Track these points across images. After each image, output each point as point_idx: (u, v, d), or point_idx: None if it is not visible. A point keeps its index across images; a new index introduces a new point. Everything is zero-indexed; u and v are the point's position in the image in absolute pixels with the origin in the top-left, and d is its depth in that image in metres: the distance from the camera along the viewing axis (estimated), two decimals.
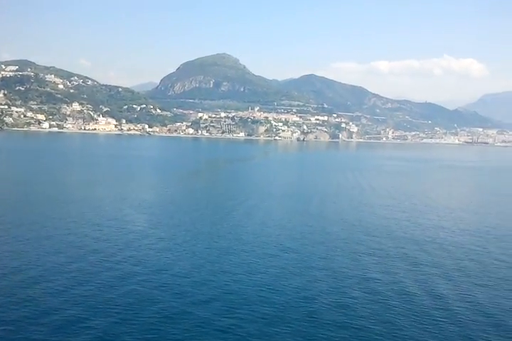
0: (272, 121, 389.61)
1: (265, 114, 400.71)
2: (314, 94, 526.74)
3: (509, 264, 35.31)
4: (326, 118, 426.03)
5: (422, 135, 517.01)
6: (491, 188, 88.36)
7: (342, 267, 33.04)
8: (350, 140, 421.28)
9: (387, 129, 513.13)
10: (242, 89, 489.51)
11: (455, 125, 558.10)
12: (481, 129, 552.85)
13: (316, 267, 32.83)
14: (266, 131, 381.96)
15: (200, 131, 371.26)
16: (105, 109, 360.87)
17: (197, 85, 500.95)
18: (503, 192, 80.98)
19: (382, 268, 33.11)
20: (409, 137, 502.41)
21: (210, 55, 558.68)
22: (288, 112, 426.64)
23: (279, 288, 28.64)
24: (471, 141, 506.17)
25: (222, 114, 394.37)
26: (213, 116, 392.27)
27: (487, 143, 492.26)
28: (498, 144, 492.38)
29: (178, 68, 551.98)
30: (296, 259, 34.56)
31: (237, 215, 50.23)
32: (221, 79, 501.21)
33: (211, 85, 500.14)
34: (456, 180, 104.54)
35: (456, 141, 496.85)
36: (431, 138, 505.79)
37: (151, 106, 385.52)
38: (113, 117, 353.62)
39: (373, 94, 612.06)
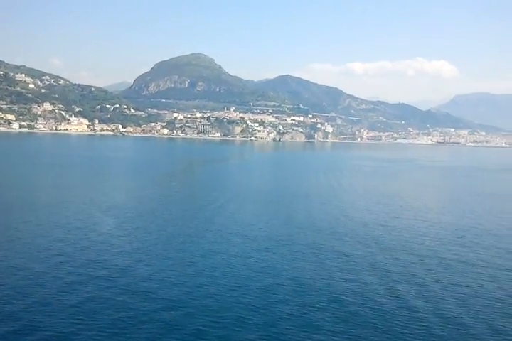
0: (248, 122, 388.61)
1: (241, 115, 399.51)
2: (290, 94, 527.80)
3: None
4: (301, 118, 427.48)
5: (395, 135, 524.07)
6: (465, 188, 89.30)
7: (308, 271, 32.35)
8: (325, 140, 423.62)
9: (362, 130, 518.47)
10: (217, 90, 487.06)
11: (428, 125, 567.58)
12: (452, 129, 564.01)
13: (280, 268, 32.05)
14: (242, 131, 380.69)
15: (175, 132, 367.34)
16: (77, 109, 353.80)
17: (172, 85, 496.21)
18: (477, 192, 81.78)
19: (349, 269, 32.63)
20: (383, 137, 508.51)
21: (185, 55, 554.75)
22: (264, 113, 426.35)
23: (248, 293, 27.75)
24: (443, 141, 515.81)
25: (198, 114, 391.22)
26: (189, 116, 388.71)
27: (459, 143, 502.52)
28: (470, 144, 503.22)
29: (153, 68, 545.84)
30: (263, 260, 33.74)
31: (210, 218, 49.03)
32: (196, 79, 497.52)
33: (186, 85, 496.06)
34: (430, 180, 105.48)
35: (429, 141, 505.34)
36: (404, 138, 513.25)
37: (125, 106, 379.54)
38: (85, 117, 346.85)
39: (348, 95, 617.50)
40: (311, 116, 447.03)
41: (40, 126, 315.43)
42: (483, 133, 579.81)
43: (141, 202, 57.76)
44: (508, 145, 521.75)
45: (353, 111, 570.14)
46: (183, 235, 41.02)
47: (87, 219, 45.58)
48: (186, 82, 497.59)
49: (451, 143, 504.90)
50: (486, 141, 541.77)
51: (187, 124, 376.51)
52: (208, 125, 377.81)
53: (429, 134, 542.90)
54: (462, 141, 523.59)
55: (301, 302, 26.68)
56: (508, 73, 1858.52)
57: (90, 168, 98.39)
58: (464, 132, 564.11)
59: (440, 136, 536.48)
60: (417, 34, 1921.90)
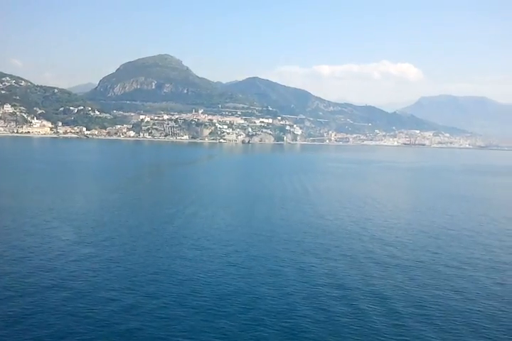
0: (217, 124, 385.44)
1: (210, 117, 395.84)
2: (259, 96, 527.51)
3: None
4: (270, 120, 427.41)
5: (362, 137, 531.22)
6: (431, 189, 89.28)
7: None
8: (294, 142, 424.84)
9: (330, 132, 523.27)
10: (185, 91, 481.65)
11: (394, 127, 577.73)
12: (418, 131, 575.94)
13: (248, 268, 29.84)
14: (210, 133, 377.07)
15: (142, 134, 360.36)
16: (40, 111, 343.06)
17: (138, 86, 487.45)
18: (445, 193, 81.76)
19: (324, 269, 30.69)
20: (350, 139, 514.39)
21: (151, 56, 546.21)
22: (233, 115, 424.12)
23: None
24: (409, 142, 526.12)
25: (165, 117, 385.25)
26: (156, 118, 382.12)
27: (424, 145, 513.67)
28: (435, 145, 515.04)
29: (118, 69, 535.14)
30: (222, 263, 31.43)
31: (176, 224, 46.37)
32: (163, 81, 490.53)
33: (153, 87, 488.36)
34: (398, 181, 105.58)
35: (395, 143, 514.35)
36: (371, 140, 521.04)
37: (90, 108, 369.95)
38: (48, 120, 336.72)
39: (316, 97, 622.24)
40: (279, 118, 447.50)
41: (0, 129, 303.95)
42: (448, 135, 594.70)
43: (102, 209, 54.45)
44: (471, 147, 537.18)
45: (321, 113, 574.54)
46: (146, 244, 38.24)
47: (43, 227, 42.32)
48: (153, 84, 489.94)
49: (417, 144, 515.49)
50: (450, 143, 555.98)
51: (154, 127, 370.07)
52: (176, 127, 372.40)
53: (395, 136, 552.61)
54: (427, 142, 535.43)
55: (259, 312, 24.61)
56: (471, 76, 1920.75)
57: (50, 173, 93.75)
58: (428, 134, 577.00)
59: (406, 138, 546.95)
60: (382, 37, 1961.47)
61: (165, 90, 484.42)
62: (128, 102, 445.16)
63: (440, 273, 33.39)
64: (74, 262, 32.85)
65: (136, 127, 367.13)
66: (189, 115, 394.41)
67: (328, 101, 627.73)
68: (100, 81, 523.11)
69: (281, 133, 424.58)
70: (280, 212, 55.87)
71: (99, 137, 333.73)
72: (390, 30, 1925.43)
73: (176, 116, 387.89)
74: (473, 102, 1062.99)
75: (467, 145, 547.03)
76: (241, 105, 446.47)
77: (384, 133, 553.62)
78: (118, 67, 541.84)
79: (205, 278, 30.65)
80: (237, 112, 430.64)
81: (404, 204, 69.39)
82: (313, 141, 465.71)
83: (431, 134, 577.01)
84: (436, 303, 27.63)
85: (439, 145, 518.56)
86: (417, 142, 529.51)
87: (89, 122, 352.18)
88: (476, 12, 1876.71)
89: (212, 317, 24.69)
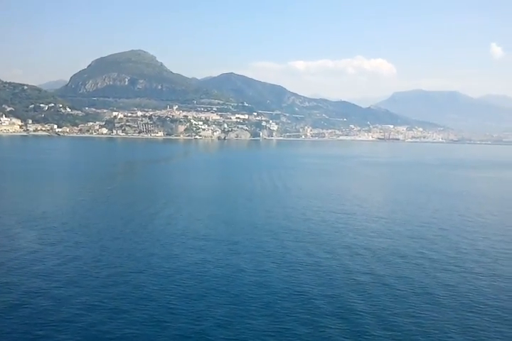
0: (192, 120, 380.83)
1: (185, 113, 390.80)
2: (234, 92, 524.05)
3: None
4: (246, 116, 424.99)
5: (338, 132, 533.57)
6: (409, 183, 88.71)
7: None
8: (270, 138, 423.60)
9: (306, 127, 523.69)
10: (159, 87, 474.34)
11: (368, 122, 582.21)
12: (392, 126, 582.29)
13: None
14: (186, 130, 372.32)
15: (115, 131, 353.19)
16: (9, 109, 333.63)
17: (111, 83, 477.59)
18: (423, 188, 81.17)
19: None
20: (326, 134, 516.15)
21: (124, 52, 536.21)
22: (208, 111, 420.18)
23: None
24: (383, 137, 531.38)
25: (139, 113, 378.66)
26: (129, 115, 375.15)
27: (398, 139, 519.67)
28: (408, 140, 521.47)
29: (90, 65, 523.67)
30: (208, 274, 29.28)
31: (149, 227, 43.83)
32: (137, 77, 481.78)
33: (126, 83, 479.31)
34: (376, 176, 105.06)
35: (370, 138, 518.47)
36: (347, 135, 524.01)
37: (61, 105, 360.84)
38: (18, 117, 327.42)
39: (292, 92, 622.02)
40: (255, 113, 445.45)
41: None
42: (421, 129, 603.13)
43: (71, 210, 51.50)
44: (444, 141, 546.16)
45: (296, 109, 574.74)
46: (117, 248, 35.68)
47: (4, 233, 39.33)
48: (126, 80, 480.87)
49: (391, 139, 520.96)
50: (424, 137, 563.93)
51: (127, 123, 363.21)
52: (150, 124, 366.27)
53: (369, 131, 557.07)
54: (401, 137, 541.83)
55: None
56: (442, 71, 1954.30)
57: (17, 172, 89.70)
58: (402, 128, 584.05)
59: (380, 133, 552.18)
60: (356, 33, 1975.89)
61: (138, 86, 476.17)
62: (100, 99, 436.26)
63: (420, 265, 32.08)
64: (35, 278, 30.03)
65: (109, 124, 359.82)
66: (163, 111, 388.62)
67: (304, 97, 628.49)
68: (71, 77, 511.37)
69: (258, 129, 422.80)
70: (258, 211, 53.89)
71: (71, 134, 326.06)
72: (363, 25, 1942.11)
73: (150, 113, 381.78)
74: (445, 97, 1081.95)
75: (440, 140, 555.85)
76: (216, 101, 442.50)
77: (359, 128, 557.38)
78: (90, 63, 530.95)
79: (177, 290, 28.36)
80: (212, 108, 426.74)
81: (383, 199, 68.30)
82: (290, 136, 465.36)
83: (404, 129, 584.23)
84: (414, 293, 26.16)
85: (413, 140, 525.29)
86: (391, 137, 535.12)
87: (61, 119, 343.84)
88: (446, 8, 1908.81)
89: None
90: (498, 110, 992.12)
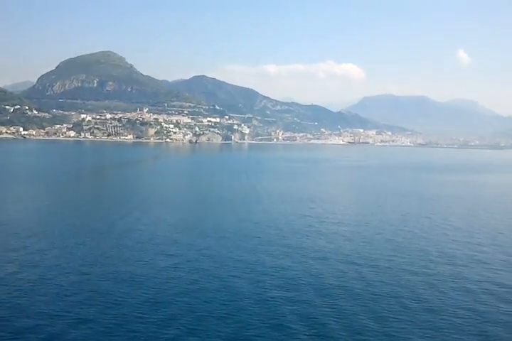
0: (163, 123, 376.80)
1: (155, 116, 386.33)
2: (206, 95, 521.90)
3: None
4: (218, 120, 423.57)
5: (309, 136, 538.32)
6: (381, 187, 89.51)
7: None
8: (242, 141, 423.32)
9: (278, 131, 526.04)
10: (129, 89, 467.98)
11: (339, 126, 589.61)
12: (362, 130, 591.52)
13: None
14: (156, 133, 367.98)
15: (83, 134, 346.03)
16: None
17: (79, 84, 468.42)
18: (394, 191, 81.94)
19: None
20: (298, 138, 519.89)
21: (93, 53, 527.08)
22: (179, 114, 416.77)
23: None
24: (353, 141, 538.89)
25: (108, 116, 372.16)
26: (98, 117, 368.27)
27: (368, 143, 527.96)
28: (378, 144, 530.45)
29: (58, 66, 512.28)
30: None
31: (116, 234, 42.31)
32: (106, 79, 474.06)
33: (95, 85, 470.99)
34: (347, 180, 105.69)
35: (341, 142, 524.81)
36: (318, 138, 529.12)
37: (27, 107, 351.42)
38: None
39: (264, 96, 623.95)
40: (227, 117, 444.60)
41: None
42: (390, 133, 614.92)
43: (34, 216, 49.38)
44: (412, 145, 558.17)
45: (268, 112, 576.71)
46: (82, 254, 34.19)
47: None
48: (95, 82, 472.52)
49: (361, 143, 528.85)
50: (393, 141, 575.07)
51: (96, 126, 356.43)
52: (120, 127, 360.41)
53: (340, 135, 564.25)
54: (371, 140, 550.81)
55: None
56: (410, 76, 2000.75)
57: None
58: (372, 132, 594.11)
59: (350, 136, 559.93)
60: (327, 37, 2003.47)
61: (108, 88, 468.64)
62: (68, 101, 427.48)
63: (387, 269, 31.93)
64: None
65: (77, 127, 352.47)
66: (133, 114, 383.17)
67: (276, 101, 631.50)
68: (38, 79, 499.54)
69: (229, 133, 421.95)
70: (228, 215, 53.04)
71: (38, 137, 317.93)
72: (334, 30, 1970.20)
73: (120, 115, 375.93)
74: (413, 101, 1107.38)
75: (408, 143, 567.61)
76: (188, 104, 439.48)
77: (330, 132, 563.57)
78: (58, 64, 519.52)
79: (145, 296, 27.26)
80: (183, 111, 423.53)
81: (353, 203, 68.45)
82: (261, 140, 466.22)
83: (374, 133, 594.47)
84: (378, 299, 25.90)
85: (382, 144, 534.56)
86: (361, 140, 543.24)
87: (27, 122, 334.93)
88: (415, 15, 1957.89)
89: None
90: (465, 115, 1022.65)
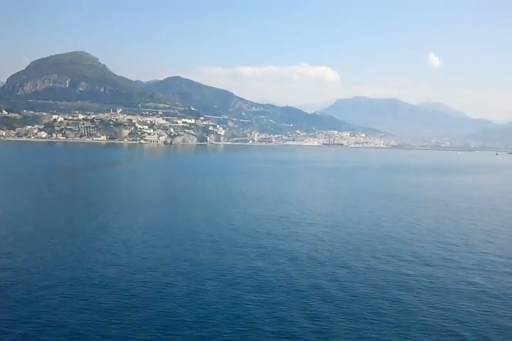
0: (137, 124, 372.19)
1: (129, 117, 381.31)
2: (181, 96, 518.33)
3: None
4: (193, 121, 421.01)
5: (284, 137, 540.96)
6: (356, 188, 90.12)
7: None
8: (218, 143, 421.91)
9: (253, 132, 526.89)
10: (102, 90, 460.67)
11: (314, 128, 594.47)
12: (336, 132, 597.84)
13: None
14: (130, 134, 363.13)
15: (54, 135, 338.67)
16: None
17: (51, 85, 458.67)
18: (370, 192, 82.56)
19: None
20: (273, 139, 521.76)
21: (65, 53, 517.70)
22: (154, 115, 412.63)
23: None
24: (328, 142, 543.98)
25: (81, 116, 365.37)
26: (70, 118, 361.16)
27: (342, 145, 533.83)
28: (352, 145, 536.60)
29: (29, 66, 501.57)
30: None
31: (87, 236, 41.17)
32: (78, 79, 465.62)
33: (67, 85, 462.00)
34: (323, 181, 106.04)
35: (316, 143, 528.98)
36: (293, 140, 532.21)
37: None
38: None
39: (239, 97, 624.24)
40: (202, 118, 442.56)
41: None
42: (363, 135, 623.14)
43: (3, 219, 47.60)
44: (385, 146, 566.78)
45: (244, 114, 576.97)
46: (52, 257, 33.04)
47: None
48: (67, 82, 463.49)
49: (336, 144, 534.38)
50: (366, 142, 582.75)
51: (68, 127, 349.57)
52: (92, 127, 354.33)
53: (315, 136, 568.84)
54: (345, 142, 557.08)
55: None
56: (383, 79, 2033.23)
57: None
58: (346, 134, 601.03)
59: (325, 138, 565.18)
60: (301, 40, 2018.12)
61: (80, 88, 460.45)
62: (39, 101, 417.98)
63: (360, 270, 31.99)
64: None
65: (49, 127, 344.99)
66: (107, 115, 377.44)
67: (251, 102, 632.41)
68: (8, 78, 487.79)
69: (205, 134, 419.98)
70: (203, 218, 52.39)
71: (8, 138, 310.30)
72: (308, 33, 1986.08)
73: (93, 116, 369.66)
74: (386, 104, 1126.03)
75: (382, 145, 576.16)
76: (162, 105, 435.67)
77: (305, 134, 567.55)
78: (28, 63, 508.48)
79: (119, 301, 26.47)
80: (158, 112, 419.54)
81: (328, 204, 68.61)
82: (237, 141, 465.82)
83: (348, 134, 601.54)
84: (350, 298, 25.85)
85: (356, 145, 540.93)
86: (335, 142, 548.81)
87: None
88: (387, 18, 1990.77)
89: None
90: (436, 117, 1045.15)
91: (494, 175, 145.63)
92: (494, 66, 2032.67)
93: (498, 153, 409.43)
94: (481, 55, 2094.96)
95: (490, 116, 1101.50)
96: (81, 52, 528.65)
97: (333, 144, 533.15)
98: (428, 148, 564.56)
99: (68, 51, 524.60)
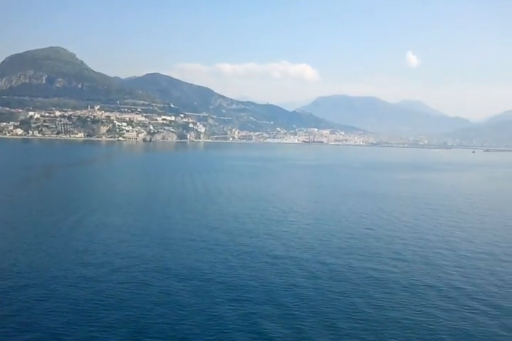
0: (115, 121, 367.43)
1: (107, 113, 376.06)
2: (160, 93, 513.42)
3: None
4: (173, 118, 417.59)
5: (265, 135, 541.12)
6: (336, 186, 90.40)
7: None
8: (198, 140, 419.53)
9: (234, 129, 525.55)
10: (80, 86, 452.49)
11: (294, 125, 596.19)
12: (316, 129, 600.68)
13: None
14: (108, 131, 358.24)
15: (31, 132, 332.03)
16: None
17: (27, 81, 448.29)
18: (349, 191, 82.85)
19: None
20: (253, 137, 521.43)
21: (41, 48, 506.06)
22: (132, 111, 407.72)
23: None
24: (308, 140, 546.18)
25: (58, 113, 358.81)
26: (47, 115, 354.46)
27: (322, 142, 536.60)
28: (332, 143, 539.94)
29: (4, 61, 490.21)
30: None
31: (62, 236, 40.19)
32: (55, 75, 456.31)
33: (44, 81, 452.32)
34: (304, 179, 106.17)
35: (296, 141, 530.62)
36: (273, 138, 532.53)
37: None
38: None
39: (219, 95, 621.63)
40: (182, 115, 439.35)
41: None
42: (343, 133, 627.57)
43: None
44: (364, 144, 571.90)
45: (224, 111, 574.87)
46: (22, 262, 32.05)
47: None
48: (43, 78, 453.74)
49: (316, 142, 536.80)
50: (346, 140, 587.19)
51: (45, 124, 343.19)
52: (70, 124, 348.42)
53: (295, 134, 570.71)
54: (325, 140, 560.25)
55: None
56: (362, 77, 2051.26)
57: None
58: (326, 132, 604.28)
59: (305, 136, 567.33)
60: (281, 37, 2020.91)
61: (57, 85, 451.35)
62: (15, 97, 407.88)
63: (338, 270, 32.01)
64: None
65: (25, 124, 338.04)
66: (84, 111, 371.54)
67: (231, 99, 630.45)
68: None
69: (185, 131, 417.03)
70: (181, 216, 51.75)
71: None
72: (289, 30, 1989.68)
73: (70, 113, 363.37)
74: (365, 102, 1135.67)
75: (361, 143, 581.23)
76: (141, 102, 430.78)
77: (285, 131, 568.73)
78: (3, 59, 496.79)
79: (94, 301, 25.79)
80: (137, 109, 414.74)
81: (310, 202, 68.62)
82: (217, 138, 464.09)
83: (328, 132, 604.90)
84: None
85: (336, 143, 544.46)
86: (315, 140, 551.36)
87: None
88: (365, 17, 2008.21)
89: None
90: (413, 115, 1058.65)
91: (472, 172, 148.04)
92: (471, 65, 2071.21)
93: (475, 150, 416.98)
94: (458, 54, 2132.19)
95: (467, 114, 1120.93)
96: (58, 47, 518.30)
97: (313, 142, 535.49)
98: (406, 145, 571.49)
99: (45, 47, 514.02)
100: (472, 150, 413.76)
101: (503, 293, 29.22)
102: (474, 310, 26.43)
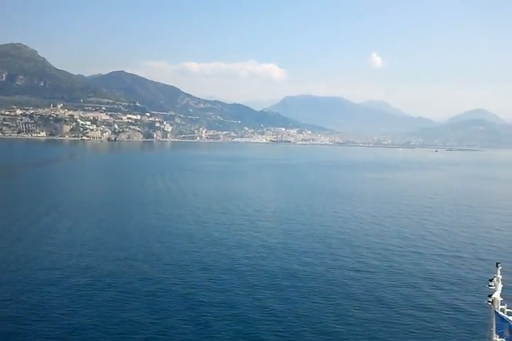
0: (79, 120, 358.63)
1: (70, 112, 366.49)
2: (125, 91, 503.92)
3: None
4: (138, 117, 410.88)
5: (233, 134, 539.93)
6: (306, 185, 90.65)
7: None
8: (165, 139, 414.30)
9: (201, 129, 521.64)
10: (42, 84, 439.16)
11: (262, 125, 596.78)
12: (283, 129, 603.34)
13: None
14: (72, 130, 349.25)
15: None
16: None
17: None
18: (320, 190, 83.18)
19: None
20: (221, 136, 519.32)
21: (1, 45, 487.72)
22: (97, 110, 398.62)
23: None
24: (276, 139, 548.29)
25: (18, 111, 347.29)
26: (7, 113, 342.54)
27: (290, 142, 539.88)
28: (299, 142, 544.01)
29: None
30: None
31: (29, 238, 38.42)
32: (16, 72, 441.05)
33: (4, 78, 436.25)
34: (274, 179, 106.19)
35: (264, 140, 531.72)
36: (241, 137, 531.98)
37: None
38: None
39: (186, 94, 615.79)
40: (148, 114, 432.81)
41: None
42: (310, 132, 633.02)
43: None
44: (331, 143, 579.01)
45: (191, 110, 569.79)
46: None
47: None
48: (4, 75, 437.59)
49: (283, 141, 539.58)
50: (313, 139, 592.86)
51: (5, 123, 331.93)
52: (31, 123, 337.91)
53: (263, 133, 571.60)
54: (292, 139, 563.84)
55: None
56: (328, 77, 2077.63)
57: None
58: (293, 131, 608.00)
59: (273, 135, 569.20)
60: (248, 36, 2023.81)
61: (18, 82, 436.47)
62: None
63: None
64: None
65: None
66: (46, 110, 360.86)
67: (199, 99, 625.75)
68: None
69: (151, 130, 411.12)
70: (148, 215, 50.52)
71: None
72: (256, 30, 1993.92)
73: (31, 111, 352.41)
74: (331, 102, 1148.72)
75: (328, 142, 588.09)
76: (106, 100, 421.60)
77: (253, 131, 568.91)
78: None
79: (65, 304, 24.57)
80: (101, 108, 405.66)
81: (280, 200, 68.37)
82: (184, 138, 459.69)
83: (295, 132, 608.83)
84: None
85: (303, 142, 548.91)
86: (283, 139, 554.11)
87: None
88: (331, 18, 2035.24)
89: None
90: (378, 115, 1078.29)
91: (435, 171, 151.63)
92: (434, 67, 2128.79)
93: (438, 150, 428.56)
94: (421, 56, 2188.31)
95: (430, 115, 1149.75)
96: (18, 44, 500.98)
97: (281, 141, 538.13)
98: (371, 145, 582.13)
99: (5, 43, 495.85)
100: (435, 150, 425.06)
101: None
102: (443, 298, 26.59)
